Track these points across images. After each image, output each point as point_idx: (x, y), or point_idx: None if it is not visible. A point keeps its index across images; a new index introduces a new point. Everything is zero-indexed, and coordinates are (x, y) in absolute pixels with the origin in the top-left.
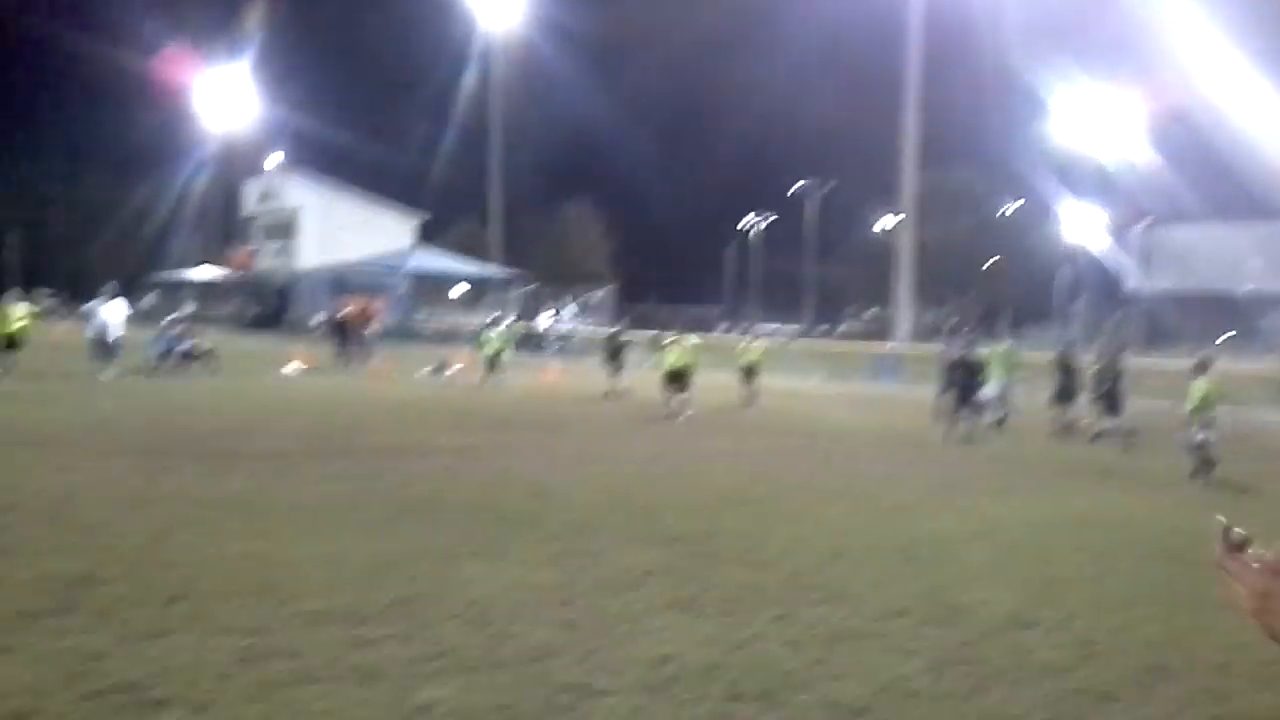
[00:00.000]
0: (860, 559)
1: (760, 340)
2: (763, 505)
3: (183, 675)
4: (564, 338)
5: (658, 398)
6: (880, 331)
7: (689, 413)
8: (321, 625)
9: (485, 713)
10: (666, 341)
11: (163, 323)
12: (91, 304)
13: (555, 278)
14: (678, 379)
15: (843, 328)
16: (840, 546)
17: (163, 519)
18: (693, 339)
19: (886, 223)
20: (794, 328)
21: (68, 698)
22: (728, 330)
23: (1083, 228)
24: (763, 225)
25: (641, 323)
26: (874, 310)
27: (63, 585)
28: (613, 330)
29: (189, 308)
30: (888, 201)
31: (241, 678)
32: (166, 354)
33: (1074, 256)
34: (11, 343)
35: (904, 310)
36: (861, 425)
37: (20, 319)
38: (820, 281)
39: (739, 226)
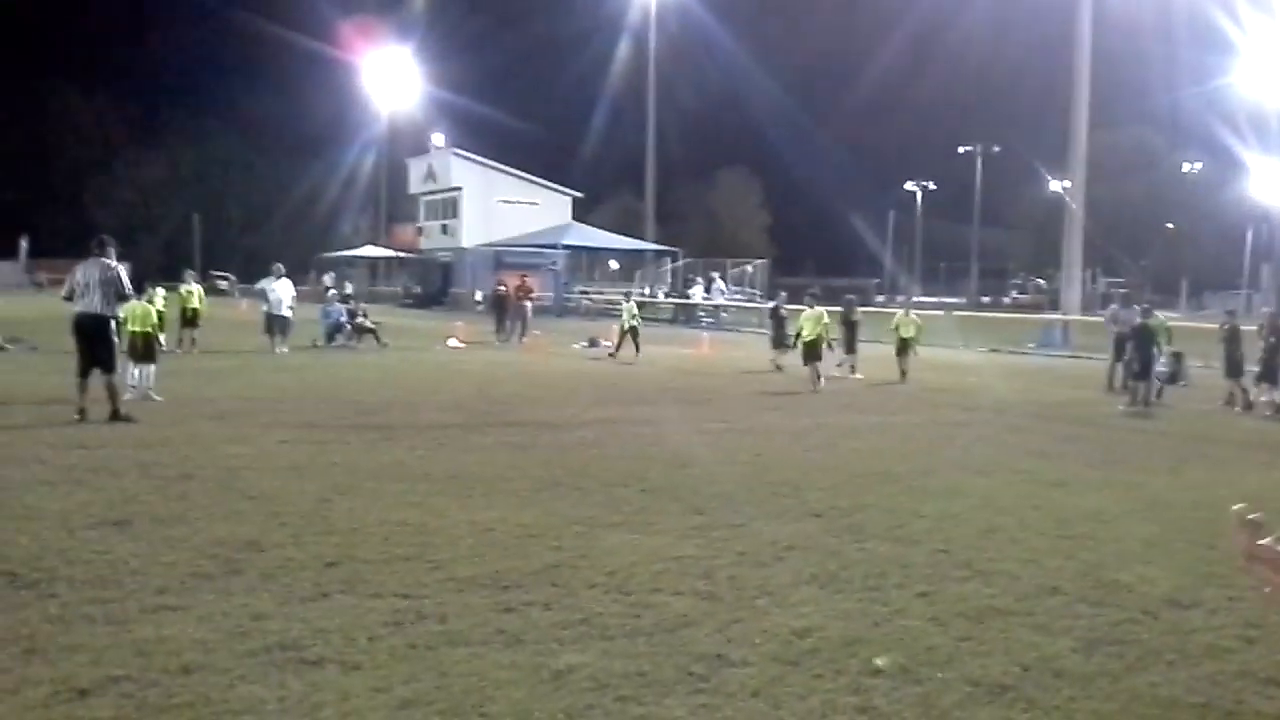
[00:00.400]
0: (1013, 535)
1: (913, 312)
2: (912, 480)
3: (338, 636)
4: (716, 311)
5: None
6: (1048, 300)
7: (821, 384)
8: (470, 591)
9: (623, 679)
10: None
11: (328, 300)
12: (264, 282)
13: (709, 250)
14: (811, 349)
15: (1008, 297)
16: (992, 523)
17: (326, 488)
18: (818, 309)
19: (1055, 187)
20: (956, 299)
21: (232, 654)
22: (886, 302)
23: (1274, 186)
24: (924, 193)
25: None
26: (1041, 279)
27: (231, 549)
28: (774, 304)
29: (349, 286)
30: (1056, 165)
31: (391, 639)
32: (335, 330)
33: (1264, 218)
34: (189, 320)
35: (1073, 278)
36: (1024, 398)
37: (196, 298)
38: (985, 249)
39: (899, 195)
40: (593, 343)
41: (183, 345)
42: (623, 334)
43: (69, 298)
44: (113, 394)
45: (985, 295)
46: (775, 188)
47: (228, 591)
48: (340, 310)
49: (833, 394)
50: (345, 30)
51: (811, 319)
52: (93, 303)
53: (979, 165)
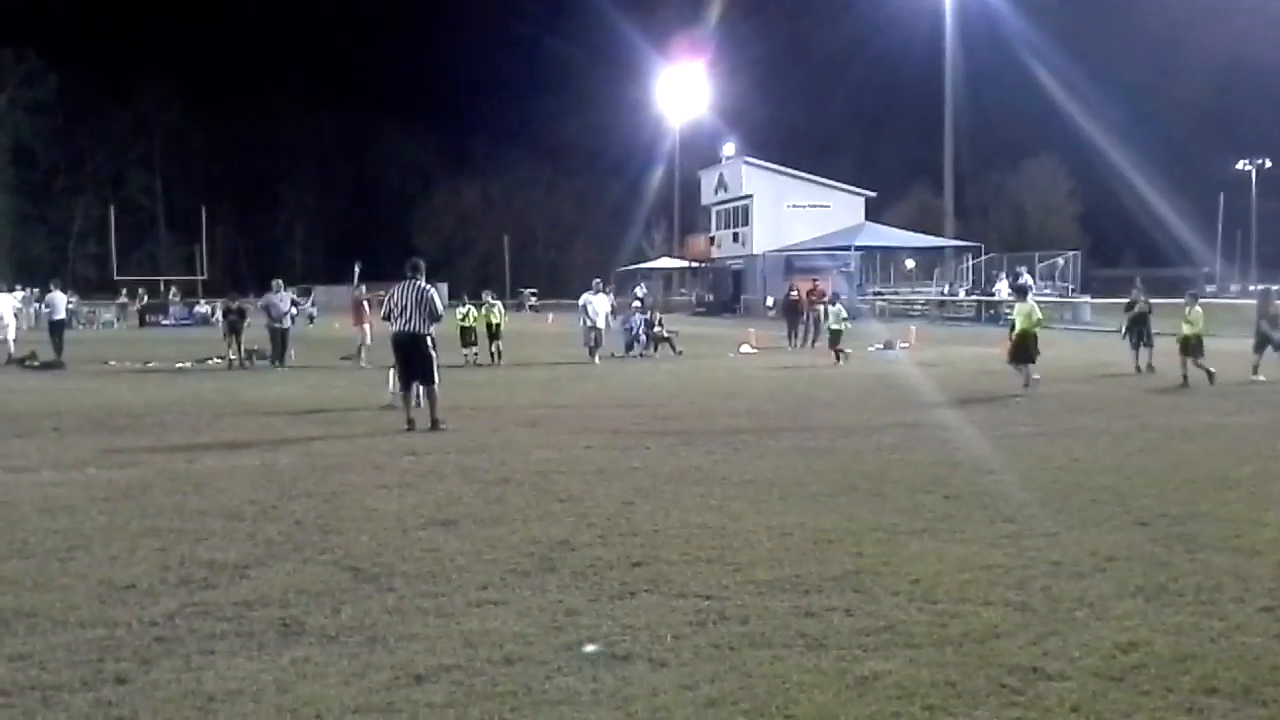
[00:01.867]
0: None
1: (1198, 306)
2: (1253, 487)
3: (645, 633)
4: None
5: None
6: None
7: (1030, 386)
8: (770, 593)
9: (931, 688)
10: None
11: (629, 311)
12: (583, 296)
13: (1015, 244)
14: (1022, 346)
15: None
16: None
17: (629, 491)
18: (1029, 303)
19: None
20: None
21: (548, 648)
22: (1217, 292)
23: None
24: (1258, 171)
25: (1110, 289)
26: None
27: (545, 548)
28: (1130, 299)
29: (641, 290)
30: None
31: (696, 638)
32: (633, 339)
33: None
34: (493, 334)
35: None
36: None
37: (498, 313)
38: None
39: (1231, 174)
40: (888, 345)
41: (492, 358)
42: (832, 338)
43: (386, 318)
44: (432, 404)
45: None
46: (1087, 174)
47: (543, 588)
48: (639, 320)
49: (1157, 392)
50: (638, 48)
51: (1023, 313)
52: (410, 322)
53: None
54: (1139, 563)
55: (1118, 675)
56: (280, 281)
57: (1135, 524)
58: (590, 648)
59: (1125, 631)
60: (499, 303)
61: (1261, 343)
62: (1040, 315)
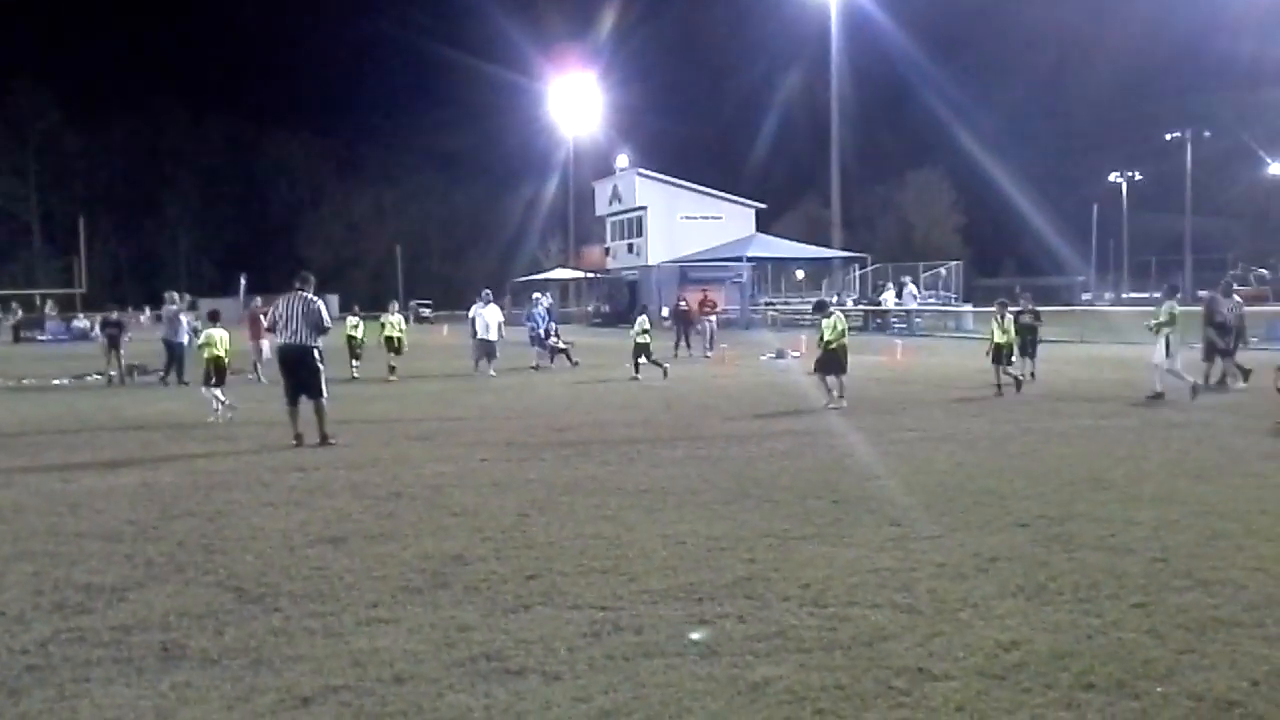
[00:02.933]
0: (1238, 543)
1: (1009, 315)
2: (1126, 488)
3: (538, 646)
4: (909, 316)
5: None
6: (1271, 291)
7: (842, 402)
8: (664, 602)
9: (820, 692)
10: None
11: (532, 311)
12: (473, 308)
13: (900, 254)
14: (831, 357)
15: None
16: (1215, 530)
17: (524, 503)
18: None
19: (1277, 169)
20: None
21: (440, 664)
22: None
23: None
24: (1129, 183)
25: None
26: (1263, 269)
27: (438, 563)
28: (1018, 309)
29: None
30: (1275, 147)
31: (590, 650)
32: (541, 342)
33: None
34: (393, 347)
35: None
36: (1254, 398)
37: (397, 327)
38: (1200, 240)
39: (1103, 187)
40: (780, 354)
41: (391, 372)
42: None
43: (271, 329)
44: (320, 419)
45: (1201, 289)
46: (969, 186)
47: (435, 604)
48: (543, 316)
49: (1036, 398)
50: (531, 59)
51: (829, 326)
52: (296, 334)
53: (1189, 151)
54: (1019, 563)
55: (1000, 674)
56: (174, 294)
57: (1016, 525)
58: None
59: (1007, 630)
60: (399, 316)
61: (1209, 350)
62: (844, 327)
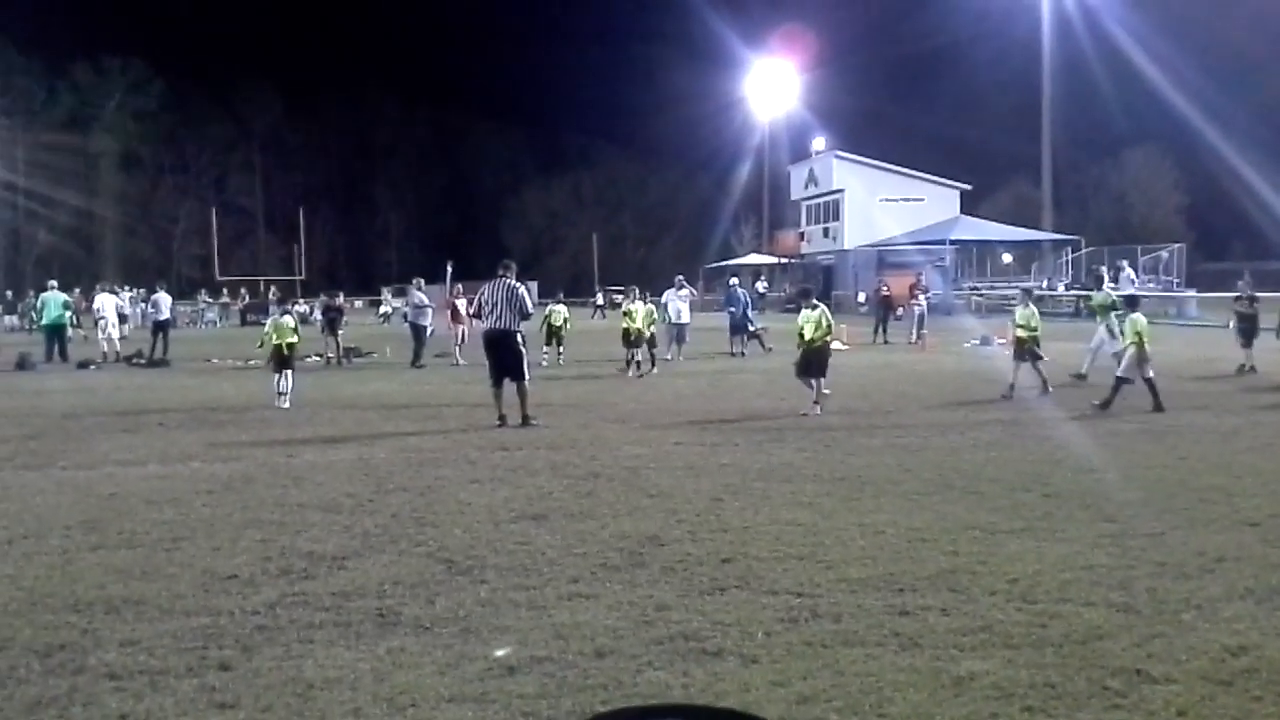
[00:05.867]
0: None
1: (1030, 306)
2: None
3: (735, 629)
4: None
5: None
6: None
7: (818, 409)
8: (863, 592)
9: (1030, 690)
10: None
11: (730, 294)
12: (665, 294)
13: (1116, 237)
14: (812, 356)
15: None
16: None
17: (718, 487)
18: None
19: None
20: None
21: (639, 642)
22: None
23: None
24: None
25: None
26: None
27: (635, 543)
28: (1237, 294)
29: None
30: None
31: (787, 635)
32: (740, 329)
33: None
34: (552, 336)
35: None
36: None
37: (560, 316)
38: None
39: None
40: (985, 341)
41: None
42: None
43: (477, 315)
44: (523, 400)
45: None
46: (1192, 164)
47: (633, 583)
48: (744, 300)
49: (1265, 389)
50: (728, 42)
51: (811, 321)
52: (500, 319)
53: None
54: (1248, 563)
55: (1227, 679)
56: (421, 280)
57: (1244, 524)
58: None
59: (1234, 635)
60: (564, 306)
61: None
62: (829, 322)
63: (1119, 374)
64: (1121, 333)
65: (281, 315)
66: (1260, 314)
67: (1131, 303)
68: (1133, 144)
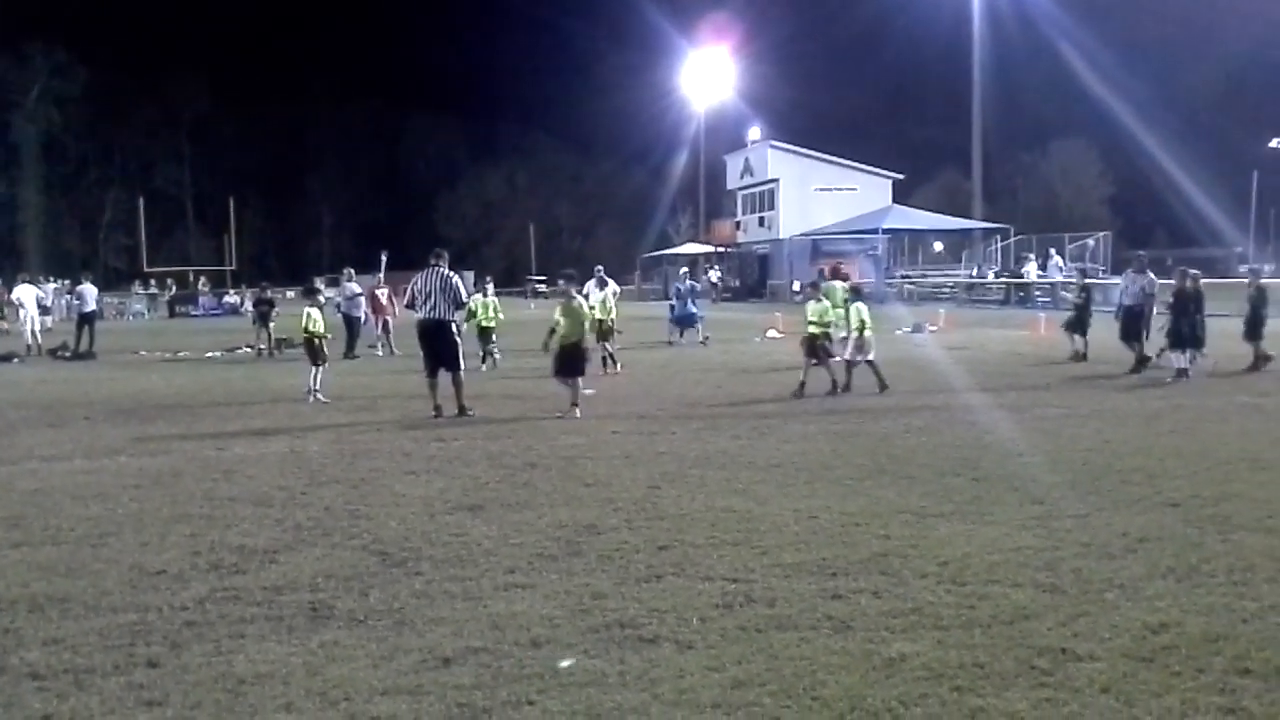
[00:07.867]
0: None
1: (823, 300)
2: None
3: (671, 616)
4: (1053, 289)
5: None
6: None
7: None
8: (797, 576)
9: (959, 670)
10: None
11: (678, 287)
12: (588, 285)
13: (1044, 226)
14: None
15: None
16: None
17: (655, 475)
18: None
19: None
20: None
21: (575, 630)
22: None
23: None
24: None
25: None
26: None
27: (571, 532)
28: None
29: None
30: None
31: (722, 621)
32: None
33: None
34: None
35: None
36: None
37: (492, 308)
38: None
39: (1259, 154)
40: (916, 329)
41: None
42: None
43: (410, 305)
44: (458, 391)
45: None
46: (1117, 155)
47: (570, 571)
48: (687, 287)
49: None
50: (662, 32)
51: (818, 310)
52: (434, 309)
53: None
54: (1170, 544)
55: (1148, 656)
56: (351, 270)
57: (1167, 505)
58: (564, 663)
59: (1156, 612)
60: (494, 299)
61: None
62: (832, 317)
63: (845, 357)
64: (848, 320)
65: (310, 304)
66: (1090, 304)
67: (855, 293)
68: (1060, 135)
